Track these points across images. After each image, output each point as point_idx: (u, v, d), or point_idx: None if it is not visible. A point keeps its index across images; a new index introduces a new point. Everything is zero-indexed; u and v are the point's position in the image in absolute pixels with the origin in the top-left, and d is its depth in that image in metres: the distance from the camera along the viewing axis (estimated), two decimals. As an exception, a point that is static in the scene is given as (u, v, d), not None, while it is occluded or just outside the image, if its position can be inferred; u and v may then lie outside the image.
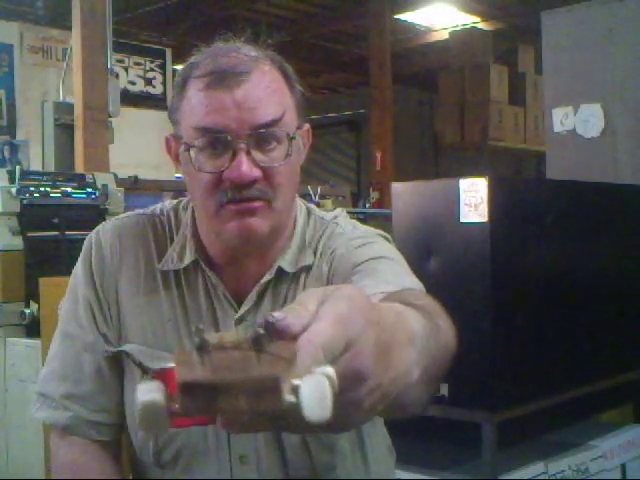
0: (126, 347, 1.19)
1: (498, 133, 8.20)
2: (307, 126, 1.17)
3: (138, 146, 7.16)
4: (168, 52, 8.64)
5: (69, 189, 3.85)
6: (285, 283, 1.17)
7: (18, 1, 7.46)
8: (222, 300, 1.17)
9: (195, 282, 1.19)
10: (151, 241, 1.22)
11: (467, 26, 9.25)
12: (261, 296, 1.17)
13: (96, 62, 5.12)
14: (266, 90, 1.07)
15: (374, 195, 8.51)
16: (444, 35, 9.49)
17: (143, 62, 8.24)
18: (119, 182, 4.37)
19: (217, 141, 1.06)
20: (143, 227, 1.24)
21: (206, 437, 1.16)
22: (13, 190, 3.62)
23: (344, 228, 1.21)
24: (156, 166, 7.60)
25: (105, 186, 3.94)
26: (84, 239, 1.28)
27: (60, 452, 1.24)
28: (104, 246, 1.23)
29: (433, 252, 2.09)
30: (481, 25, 9.35)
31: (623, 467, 2.36)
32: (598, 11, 3.54)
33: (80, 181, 3.96)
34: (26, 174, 3.80)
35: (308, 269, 1.18)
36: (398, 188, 2.26)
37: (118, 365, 1.22)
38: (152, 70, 8.31)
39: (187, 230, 1.20)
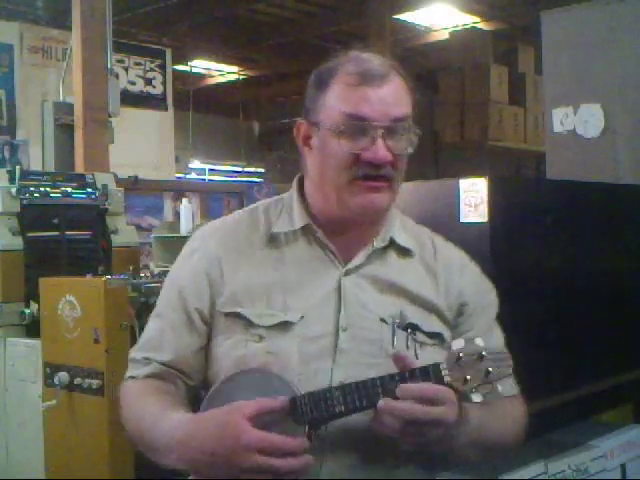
0: (238, 309, 1.33)
1: (498, 133, 8.20)
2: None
3: (138, 146, 7.16)
4: (168, 52, 8.64)
5: (69, 189, 3.85)
6: (392, 253, 1.40)
7: (18, 1, 7.46)
8: (330, 257, 1.36)
9: (303, 243, 1.37)
10: (261, 222, 1.40)
11: (467, 26, 9.26)
12: (368, 258, 1.37)
13: (96, 62, 5.13)
14: (401, 91, 1.32)
15: (374, 195, 8.50)
16: (444, 35, 9.50)
17: (143, 62, 8.24)
18: (119, 182, 4.37)
19: (359, 127, 1.28)
20: (250, 218, 1.42)
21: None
22: (13, 190, 3.61)
23: (447, 245, 1.49)
24: (156, 166, 7.60)
25: (105, 186, 3.94)
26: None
27: (135, 386, 1.38)
28: (209, 240, 1.40)
29: (433, 252, 2.09)
30: (481, 25, 9.35)
31: (623, 467, 2.35)
32: (598, 11, 3.54)
33: (80, 181, 3.95)
34: (26, 174, 3.80)
35: (410, 253, 1.41)
36: (398, 188, 2.26)
37: (202, 337, 1.37)
38: (152, 70, 8.31)
39: (293, 201, 1.40)
